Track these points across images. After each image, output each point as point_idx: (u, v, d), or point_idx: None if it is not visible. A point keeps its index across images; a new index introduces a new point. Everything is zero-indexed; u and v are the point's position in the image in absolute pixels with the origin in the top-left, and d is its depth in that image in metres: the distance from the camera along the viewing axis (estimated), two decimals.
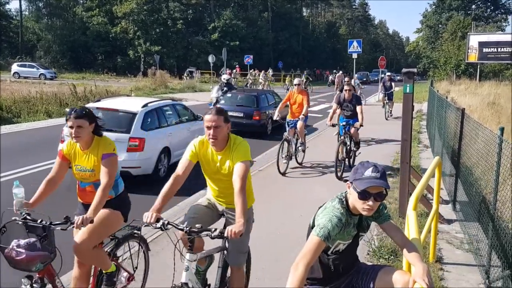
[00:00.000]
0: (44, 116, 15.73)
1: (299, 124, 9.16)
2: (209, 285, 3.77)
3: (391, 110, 18.39)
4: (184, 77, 41.12)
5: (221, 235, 2.86)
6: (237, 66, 33.22)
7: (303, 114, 9.12)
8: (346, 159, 9.09)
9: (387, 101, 18.39)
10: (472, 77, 41.14)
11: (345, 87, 9.55)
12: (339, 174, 8.43)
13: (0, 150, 9.87)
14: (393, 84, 18.69)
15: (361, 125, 8.79)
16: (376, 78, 37.11)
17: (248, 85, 33.87)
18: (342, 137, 9.02)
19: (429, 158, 10.22)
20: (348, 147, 9.15)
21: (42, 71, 39.67)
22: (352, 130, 8.99)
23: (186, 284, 3.02)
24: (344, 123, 9.27)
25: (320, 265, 2.77)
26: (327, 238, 2.42)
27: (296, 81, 9.78)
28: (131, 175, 7.66)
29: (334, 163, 8.60)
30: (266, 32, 63.92)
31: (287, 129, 9.29)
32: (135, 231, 3.78)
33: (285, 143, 8.92)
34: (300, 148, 9.49)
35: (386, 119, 17.77)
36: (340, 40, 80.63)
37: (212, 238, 2.88)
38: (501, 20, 67.12)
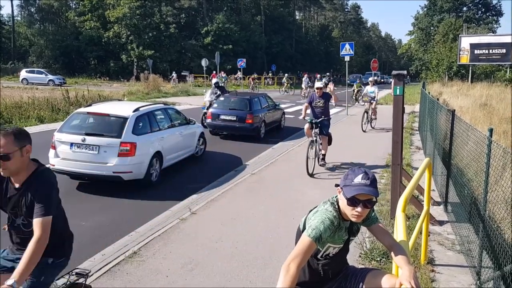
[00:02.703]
0: (36, 122, 15.63)
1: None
2: None
3: (323, 156, 9.65)
4: (173, 81, 41.70)
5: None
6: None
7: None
8: None
9: (316, 136, 9.41)
10: (464, 79, 41.38)
11: None
12: None
13: None
14: (329, 104, 9.83)
15: None
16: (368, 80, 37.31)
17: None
18: None
19: (421, 160, 10.25)
20: None
21: (50, 77, 39.51)
22: None
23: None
24: None
25: (309, 270, 2.76)
26: (319, 239, 2.41)
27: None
28: (123, 180, 7.62)
29: (331, 165, 8.32)
30: (259, 35, 64.00)
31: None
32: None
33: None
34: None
35: (311, 175, 8.82)
36: (333, 43, 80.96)
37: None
38: (492, 22, 67.72)
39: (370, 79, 17.40)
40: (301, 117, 10.56)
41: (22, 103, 17.37)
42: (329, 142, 9.96)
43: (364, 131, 15.17)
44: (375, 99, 16.34)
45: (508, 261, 3.61)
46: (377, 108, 16.83)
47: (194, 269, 4.72)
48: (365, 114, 15.86)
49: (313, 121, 9.51)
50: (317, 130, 9.51)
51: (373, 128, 16.06)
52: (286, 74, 42.52)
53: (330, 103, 9.96)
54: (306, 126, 9.58)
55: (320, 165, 9.62)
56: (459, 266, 4.85)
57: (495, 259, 4.05)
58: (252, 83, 39.95)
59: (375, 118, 16.43)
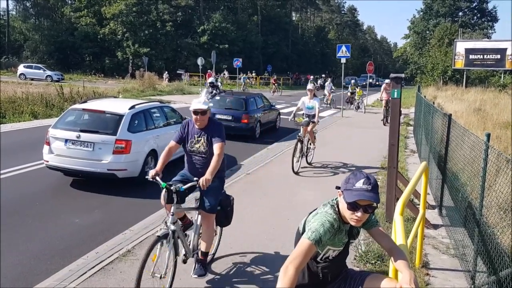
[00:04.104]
0: (30, 117, 15.52)
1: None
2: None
3: (204, 255, 4.39)
4: (166, 80, 41.27)
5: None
6: (208, 71, 33.60)
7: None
8: None
9: (191, 214, 4.76)
10: (458, 83, 41.67)
11: None
12: None
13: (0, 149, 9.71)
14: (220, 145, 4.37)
15: None
16: (364, 83, 37.18)
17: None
18: None
19: (415, 163, 10.28)
20: None
21: (48, 72, 39.39)
22: None
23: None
24: None
25: (308, 273, 2.74)
26: (318, 242, 2.38)
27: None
28: (117, 178, 7.57)
29: (324, 167, 7.81)
30: (255, 35, 63.95)
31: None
32: None
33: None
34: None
35: None
36: (329, 44, 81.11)
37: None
38: (487, 28, 68.16)
39: (309, 86, 10.29)
40: (149, 175, 4.28)
41: (16, 98, 17.24)
42: (223, 222, 4.75)
43: (297, 173, 9.25)
44: (315, 118, 9.90)
45: (504, 266, 3.62)
46: (317, 132, 10.72)
47: (189, 268, 4.68)
48: (298, 144, 9.50)
49: (176, 186, 4.13)
50: (185, 205, 4.41)
51: (310, 164, 10.10)
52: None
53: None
54: (162, 194, 4.22)
55: (195, 276, 4.35)
56: (453, 270, 4.85)
57: (490, 264, 4.06)
58: (275, 85, 37.24)
59: (314, 147, 10.28)
